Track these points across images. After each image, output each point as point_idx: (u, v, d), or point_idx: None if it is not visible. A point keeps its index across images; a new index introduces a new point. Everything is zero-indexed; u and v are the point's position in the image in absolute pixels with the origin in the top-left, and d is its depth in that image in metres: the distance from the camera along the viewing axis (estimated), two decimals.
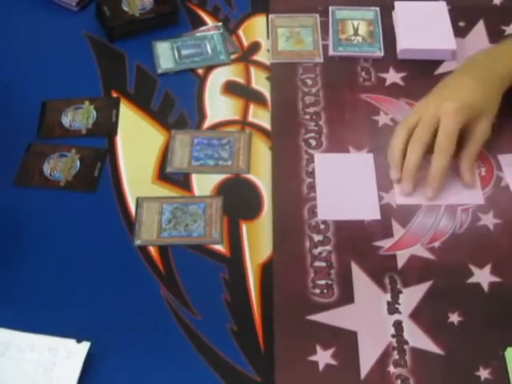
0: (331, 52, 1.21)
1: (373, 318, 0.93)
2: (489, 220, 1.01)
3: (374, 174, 1.06)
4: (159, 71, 1.19)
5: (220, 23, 1.26)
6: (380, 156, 1.07)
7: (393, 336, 0.91)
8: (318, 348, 0.90)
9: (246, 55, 1.22)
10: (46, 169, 1.06)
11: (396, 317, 0.92)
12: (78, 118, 1.13)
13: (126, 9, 1.23)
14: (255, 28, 1.26)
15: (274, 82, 1.18)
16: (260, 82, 1.18)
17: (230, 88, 1.18)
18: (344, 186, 1.05)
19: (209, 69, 1.20)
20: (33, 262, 0.98)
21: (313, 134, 1.11)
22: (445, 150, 1.01)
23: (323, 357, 0.89)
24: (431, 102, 1.05)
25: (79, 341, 0.88)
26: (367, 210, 1.03)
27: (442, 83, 1.08)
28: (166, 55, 1.20)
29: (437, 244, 0.99)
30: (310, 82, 1.17)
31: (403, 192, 1.03)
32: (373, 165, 1.07)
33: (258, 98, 1.16)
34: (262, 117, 1.13)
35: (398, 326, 0.92)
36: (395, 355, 0.89)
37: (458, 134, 1.01)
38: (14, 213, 1.03)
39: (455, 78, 1.08)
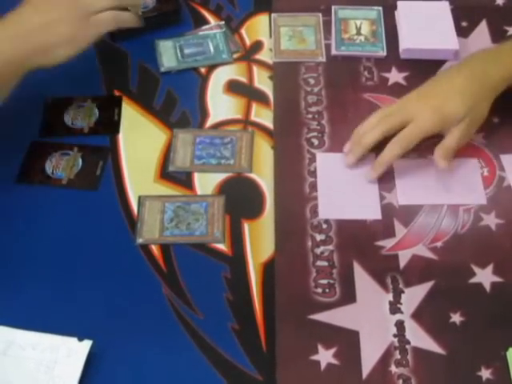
0: (334, 51, 1.20)
1: (375, 318, 0.93)
2: (491, 220, 1.01)
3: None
4: (162, 70, 1.19)
5: (222, 22, 1.26)
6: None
7: (395, 336, 0.91)
8: (320, 347, 0.90)
9: (249, 54, 1.22)
10: (48, 167, 1.06)
11: (398, 316, 0.92)
12: (81, 116, 1.13)
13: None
14: (258, 27, 1.26)
15: (277, 82, 1.18)
16: (262, 81, 1.18)
17: (233, 87, 1.18)
18: (345, 186, 1.05)
19: (211, 68, 1.20)
20: (34, 261, 0.98)
21: (315, 134, 1.11)
22: (405, 141, 1.02)
23: (325, 356, 0.89)
24: (415, 101, 1.06)
25: (81, 339, 0.88)
26: (368, 210, 1.03)
27: (435, 81, 1.08)
28: (168, 54, 1.20)
29: (439, 244, 0.99)
30: (312, 81, 1.17)
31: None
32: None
33: (260, 97, 1.16)
34: (264, 116, 1.13)
35: (399, 325, 0.92)
36: (397, 355, 0.89)
37: (424, 137, 1.03)
38: (15, 211, 1.03)
39: (448, 78, 1.08)
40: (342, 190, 1.05)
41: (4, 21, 1.01)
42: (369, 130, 1.05)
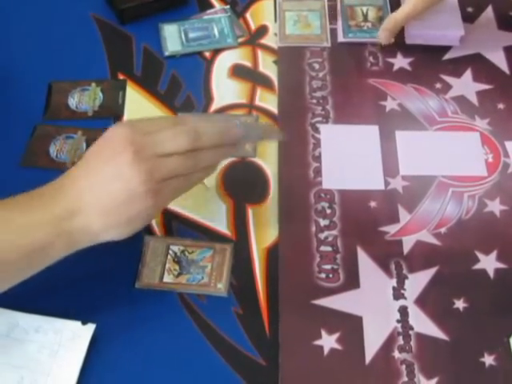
0: (341, 39, 1.20)
1: (378, 303, 0.93)
2: (495, 207, 1.01)
3: (379, 145, 1.07)
4: (166, 54, 1.19)
5: (227, 6, 1.26)
6: (387, 141, 1.07)
7: (398, 321, 0.91)
8: (323, 332, 0.90)
9: (254, 39, 1.22)
10: (52, 150, 1.06)
11: (401, 302, 0.92)
12: (85, 99, 1.12)
13: None
14: (263, 11, 1.26)
15: (281, 66, 1.17)
16: (267, 66, 1.18)
17: (237, 71, 1.17)
18: (349, 157, 1.06)
19: (216, 52, 1.19)
20: None
21: (320, 119, 1.10)
22: None
23: (328, 341, 0.89)
24: None
25: (84, 323, 0.88)
26: (371, 181, 1.03)
27: None
28: (173, 38, 1.20)
29: (443, 230, 0.99)
30: (317, 66, 1.17)
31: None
32: (378, 136, 1.08)
33: (265, 82, 1.16)
34: (268, 100, 1.13)
35: (403, 311, 0.92)
36: (400, 340, 0.89)
37: None
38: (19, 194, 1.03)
39: None
40: (346, 161, 1.06)
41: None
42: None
